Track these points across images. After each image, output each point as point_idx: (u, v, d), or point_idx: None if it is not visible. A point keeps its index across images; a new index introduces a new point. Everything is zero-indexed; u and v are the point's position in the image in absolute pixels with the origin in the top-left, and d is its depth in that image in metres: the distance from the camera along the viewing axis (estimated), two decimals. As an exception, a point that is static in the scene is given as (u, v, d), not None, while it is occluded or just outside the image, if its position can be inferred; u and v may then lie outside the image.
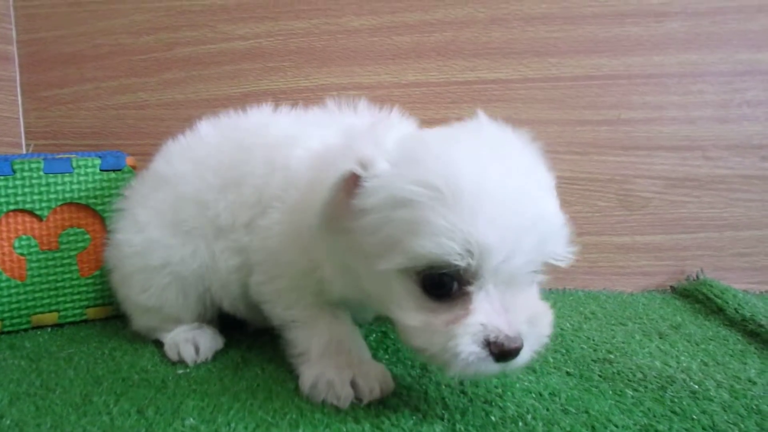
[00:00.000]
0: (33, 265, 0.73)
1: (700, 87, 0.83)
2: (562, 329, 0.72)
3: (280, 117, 0.68)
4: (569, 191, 0.87)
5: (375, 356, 0.64)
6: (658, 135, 0.85)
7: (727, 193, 0.84)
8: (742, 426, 0.49)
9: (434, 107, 0.82)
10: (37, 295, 0.73)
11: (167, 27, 0.91)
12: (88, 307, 0.76)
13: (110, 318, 0.78)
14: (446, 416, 0.52)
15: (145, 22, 0.91)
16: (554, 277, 0.87)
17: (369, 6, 0.87)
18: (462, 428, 0.50)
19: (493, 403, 0.54)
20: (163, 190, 0.68)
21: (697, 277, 0.85)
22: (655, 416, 0.51)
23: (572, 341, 0.68)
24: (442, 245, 0.44)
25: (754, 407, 0.52)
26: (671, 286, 0.86)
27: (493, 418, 0.52)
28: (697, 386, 0.56)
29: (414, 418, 0.52)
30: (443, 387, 0.58)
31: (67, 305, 0.75)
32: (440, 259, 0.44)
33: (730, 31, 0.82)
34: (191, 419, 0.51)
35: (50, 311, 0.74)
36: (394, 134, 0.51)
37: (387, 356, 0.65)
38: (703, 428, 0.49)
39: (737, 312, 0.72)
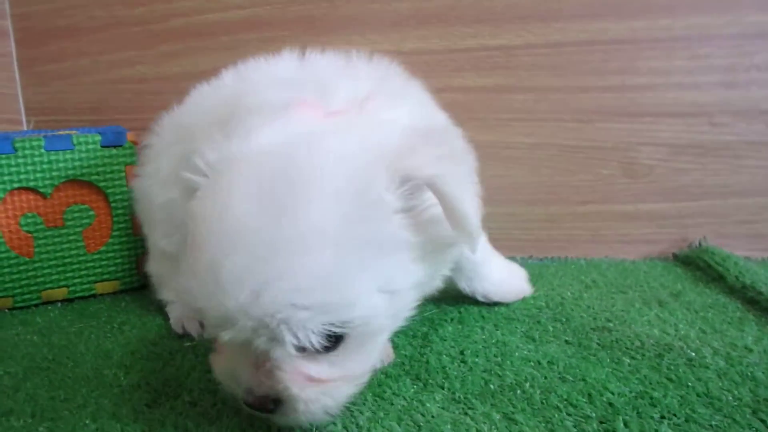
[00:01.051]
0: (40, 242, 0.75)
1: (708, 51, 0.81)
2: (562, 298, 0.73)
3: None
4: (572, 159, 0.86)
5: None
6: (663, 101, 0.83)
7: (732, 160, 0.83)
8: (735, 393, 0.50)
9: (436, 75, 0.81)
10: (45, 271, 0.75)
11: (162, -4, 0.90)
12: (96, 281, 0.78)
13: (118, 292, 0.80)
14: (446, 385, 0.54)
15: None
16: (556, 245, 0.89)
17: (368, -30, 0.85)
18: (461, 396, 0.52)
19: (492, 372, 0.56)
20: (181, 144, 0.67)
21: (700, 244, 0.84)
22: (650, 384, 0.52)
23: (572, 310, 0.69)
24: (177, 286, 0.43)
25: (749, 374, 0.53)
26: (674, 254, 0.86)
27: (491, 386, 0.53)
28: (693, 354, 0.57)
29: (415, 387, 0.54)
30: (444, 357, 0.59)
31: (76, 280, 0.77)
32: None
33: None
34: (198, 391, 0.53)
35: (59, 287, 0.76)
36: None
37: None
38: (698, 395, 0.50)
39: (738, 279, 0.72)
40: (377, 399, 0.51)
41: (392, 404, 0.50)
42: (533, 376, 0.54)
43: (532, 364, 0.57)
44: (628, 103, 0.84)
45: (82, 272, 0.77)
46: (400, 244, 0.43)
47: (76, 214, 0.76)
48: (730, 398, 0.49)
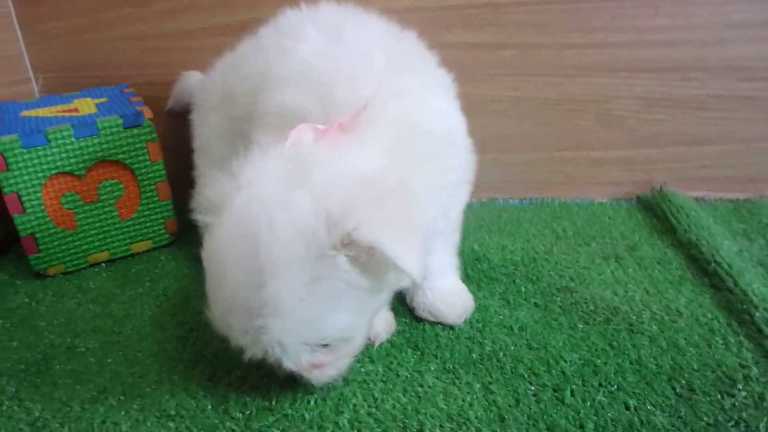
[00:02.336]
0: (80, 215, 0.85)
1: (690, 9, 0.84)
2: (536, 252, 0.86)
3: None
4: (553, 112, 0.93)
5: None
6: (641, 57, 0.88)
7: (698, 112, 0.91)
8: (659, 360, 0.64)
9: (428, 32, 0.83)
10: (88, 239, 0.86)
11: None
12: (131, 243, 0.89)
13: (151, 250, 0.92)
14: (439, 354, 0.68)
15: None
16: (534, 187, 0.99)
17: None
18: (450, 366, 0.66)
19: (475, 340, 0.70)
20: (222, 110, 0.77)
21: (661, 189, 0.95)
22: (596, 351, 0.66)
23: (542, 267, 0.82)
24: None
25: (674, 341, 0.67)
26: (637, 196, 0.98)
27: (474, 355, 0.67)
28: (634, 317, 0.71)
29: (414, 357, 0.68)
30: (436, 325, 0.73)
31: (115, 244, 0.89)
32: None
33: None
34: (245, 365, 0.65)
35: (101, 251, 0.88)
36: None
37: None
38: (630, 363, 0.64)
39: (686, 233, 0.85)
40: (387, 370, 0.65)
41: (398, 375, 0.65)
42: (506, 344, 0.68)
43: (506, 330, 0.70)
44: (609, 59, 0.89)
45: (119, 237, 0.88)
46: (354, 286, 0.53)
47: (108, 189, 0.85)
48: (654, 366, 0.63)
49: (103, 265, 0.89)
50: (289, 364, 0.55)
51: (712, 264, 0.78)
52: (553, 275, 0.80)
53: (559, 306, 0.74)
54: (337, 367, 0.60)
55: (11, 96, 0.95)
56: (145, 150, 0.85)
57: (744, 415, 0.57)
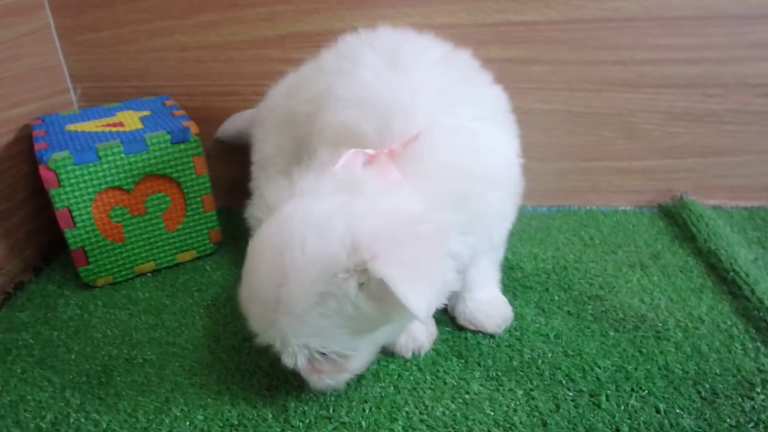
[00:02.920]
0: (128, 228, 0.88)
1: (710, 30, 0.88)
2: (566, 260, 0.91)
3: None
4: (580, 124, 0.97)
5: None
6: (665, 74, 0.92)
7: (717, 125, 0.95)
8: (685, 366, 0.70)
9: (464, 47, 0.87)
10: (136, 251, 0.90)
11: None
12: (176, 253, 0.93)
13: (195, 260, 0.96)
14: (482, 362, 0.73)
15: None
16: (561, 194, 1.04)
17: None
18: (494, 374, 0.71)
19: (514, 348, 0.75)
20: (283, 129, 0.81)
21: (681, 197, 1.00)
22: (627, 357, 0.72)
23: (573, 275, 0.87)
24: None
25: (697, 347, 0.72)
26: (658, 204, 1.03)
27: (514, 363, 0.72)
28: (660, 325, 0.76)
29: (459, 365, 0.73)
30: (477, 333, 0.77)
31: (161, 254, 0.92)
32: None
33: None
34: (296, 375, 0.70)
35: (148, 261, 0.92)
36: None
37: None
38: (659, 368, 0.70)
39: (705, 243, 0.90)
40: (434, 378, 0.70)
41: (445, 383, 0.70)
42: (544, 351, 0.73)
43: (543, 338, 0.76)
44: (634, 76, 0.93)
45: (165, 247, 0.92)
46: (360, 311, 0.56)
47: (155, 202, 0.89)
48: (680, 371, 0.69)
49: (150, 275, 0.93)
50: (288, 360, 0.60)
51: (731, 273, 0.83)
52: (584, 283, 0.85)
53: (591, 314, 0.80)
54: (335, 379, 0.64)
55: (50, 106, 0.98)
56: (191, 164, 0.88)
57: (763, 416, 0.63)
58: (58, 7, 0.95)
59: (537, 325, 0.78)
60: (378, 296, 0.56)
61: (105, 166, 0.83)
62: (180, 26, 0.96)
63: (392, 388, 0.69)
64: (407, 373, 0.71)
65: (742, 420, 0.62)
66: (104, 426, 0.65)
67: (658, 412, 0.64)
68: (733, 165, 0.98)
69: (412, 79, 0.66)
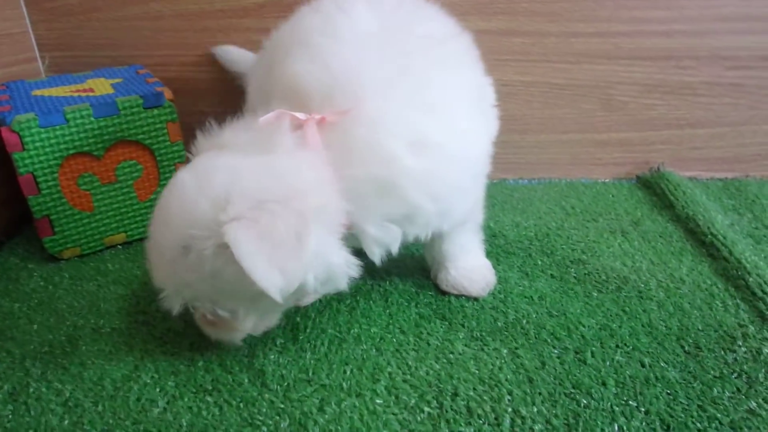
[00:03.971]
0: (98, 197, 0.85)
1: (682, 3, 0.91)
2: (548, 228, 0.91)
3: None
4: (560, 96, 0.98)
5: (403, 267, 0.82)
6: (640, 46, 0.94)
7: (691, 98, 0.97)
8: (668, 323, 0.70)
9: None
10: (105, 221, 0.87)
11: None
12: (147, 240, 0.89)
13: (171, 231, 0.92)
14: (466, 323, 0.72)
15: None
16: (543, 167, 1.04)
17: None
18: (478, 334, 0.70)
19: (498, 309, 0.74)
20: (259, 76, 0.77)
21: (658, 168, 1.02)
22: (611, 316, 0.72)
23: (555, 241, 0.87)
24: None
25: (679, 305, 0.73)
26: (636, 176, 1.04)
27: (499, 323, 0.72)
28: (643, 286, 0.77)
29: (443, 326, 0.71)
30: (461, 297, 0.76)
31: (132, 226, 0.89)
32: None
33: None
34: (281, 338, 0.69)
35: (119, 233, 0.88)
36: None
37: (417, 270, 0.82)
38: (642, 325, 0.70)
39: (683, 209, 0.91)
40: (418, 340, 0.69)
41: (429, 344, 0.68)
42: (528, 312, 0.73)
43: (527, 300, 0.75)
44: (611, 48, 0.94)
45: (137, 218, 0.89)
46: (220, 273, 0.54)
47: (126, 170, 0.86)
48: (664, 328, 0.70)
49: (120, 247, 0.90)
50: (165, 305, 0.59)
51: (709, 236, 0.84)
52: (566, 249, 0.85)
53: (574, 277, 0.79)
54: (228, 335, 0.63)
55: (16, 75, 0.94)
56: (165, 130, 0.85)
57: (745, 367, 0.63)
58: (25, -27, 0.92)
59: (521, 288, 0.77)
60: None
61: (73, 129, 0.80)
62: (155, -7, 0.94)
63: (374, 350, 0.68)
64: (390, 335, 0.70)
65: (725, 372, 0.63)
66: (67, 395, 0.62)
67: (643, 366, 0.64)
68: (707, 137, 1.00)
69: (375, 52, 0.61)
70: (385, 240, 0.64)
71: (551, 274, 0.80)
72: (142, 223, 0.89)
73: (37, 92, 0.86)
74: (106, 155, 0.83)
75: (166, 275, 0.58)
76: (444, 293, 0.77)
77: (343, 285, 0.61)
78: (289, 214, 0.52)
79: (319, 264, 0.57)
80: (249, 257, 0.49)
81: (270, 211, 0.52)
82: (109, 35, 0.96)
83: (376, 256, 0.65)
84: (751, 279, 0.75)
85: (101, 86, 0.88)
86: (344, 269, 0.60)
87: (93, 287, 0.80)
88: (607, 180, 1.05)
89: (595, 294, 0.76)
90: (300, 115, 0.59)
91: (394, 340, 0.69)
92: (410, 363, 0.66)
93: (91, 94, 0.85)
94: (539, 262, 0.83)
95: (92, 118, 0.80)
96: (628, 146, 1.02)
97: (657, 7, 0.91)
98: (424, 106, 0.61)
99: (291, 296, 0.57)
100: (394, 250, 0.66)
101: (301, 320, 0.72)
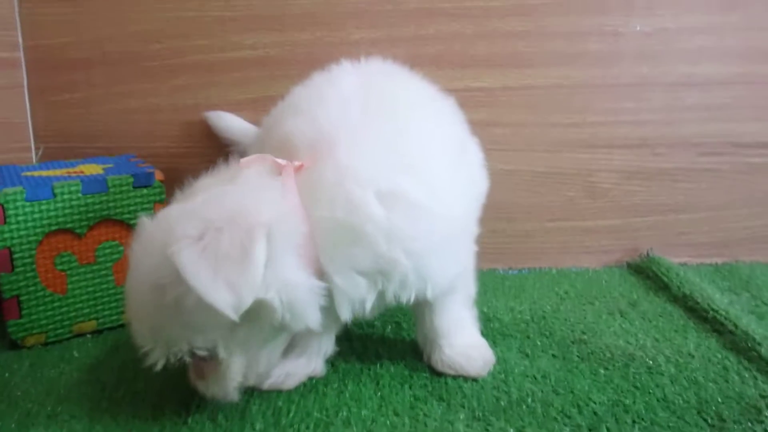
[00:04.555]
0: (73, 278, 0.80)
1: (649, 95, 0.97)
2: (544, 311, 0.87)
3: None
4: (544, 184, 1.00)
5: (395, 350, 0.77)
6: (615, 135, 0.99)
7: (670, 183, 1.01)
8: (685, 396, 0.65)
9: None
10: (77, 306, 0.81)
11: (178, 35, 0.94)
12: (123, 312, 0.84)
13: (147, 322, 0.87)
14: (466, 404, 0.65)
15: (155, 31, 0.94)
16: (531, 256, 1.03)
17: (368, 21, 0.93)
18: (481, 414, 0.63)
19: (500, 389, 0.68)
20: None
21: (648, 254, 1.02)
22: (622, 392, 0.67)
23: (553, 323, 0.83)
24: None
25: (693, 379, 0.69)
26: (627, 262, 1.04)
27: (502, 402, 0.65)
28: (651, 362, 0.72)
29: (441, 407, 0.65)
30: (458, 378, 0.71)
31: (105, 312, 0.83)
32: None
33: (672, 49, 0.96)
34: (260, 423, 0.62)
35: (90, 319, 0.82)
36: None
37: (410, 352, 0.77)
38: (657, 400, 0.65)
39: (679, 289, 0.89)
40: (414, 422, 0.62)
41: (426, 426, 0.62)
42: (533, 390, 0.67)
43: (530, 378, 0.70)
44: (588, 137, 0.99)
45: (112, 304, 0.83)
46: (185, 304, 0.53)
47: (107, 251, 0.82)
48: (681, 401, 0.65)
49: (89, 335, 0.83)
50: (150, 360, 0.57)
51: (711, 312, 0.82)
52: (565, 330, 0.81)
53: (577, 355, 0.75)
54: (220, 387, 0.60)
55: (7, 162, 0.93)
56: (152, 211, 0.83)
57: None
58: (33, 68, 0.96)
59: (522, 367, 0.72)
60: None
61: (59, 204, 0.77)
62: (155, 89, 0.97)
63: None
64: (383, 418, 0.63)
65: (756, 444, 0.57)
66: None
67: None
68: (691, 222, 1.02)
69: (357, 107, 0.63)
70: (353, 294, 0.59)
71: (552, 354, 0.75)
72: (115, 310, 0.84)
73: (28, 173, 0.85)
74: (89, 234, 0.81)
75: (141, 323, 0.56)
76: (440, 374, 0.71)
77: (313, 318, 0.57)
78: (235, 228, 0.51)
79: (278, 281, 0.54)
80: (193, 274, 0.49)
81: (215, 229, 0.51)
82: (105, 127, 0.98)
83: (344, 310, 0.60)
84: (763, 350, 0.72)
85: (92, 169, 0.87)
86: (308, 293, 0.56)
87: (54, 374, 0.73)
88: (597, 267, 1.03)
89: (602, 371, 0.71)
90: (280, 161, 0.59)
91: (388, 422, 0.62)
92: (407, 442, 0.59)
93: (81, 174, 0.84)
94: (538, 343, 0.78)
95: (80, 194, 0.78)
96: (615, 233, 1.03)
97: (627, 99, 0.97)
98: (399, 157, 0.60)
99: (269, 331, 0.58)
100: (368, 307, 0.61)
101: (283, 404, 0.65)
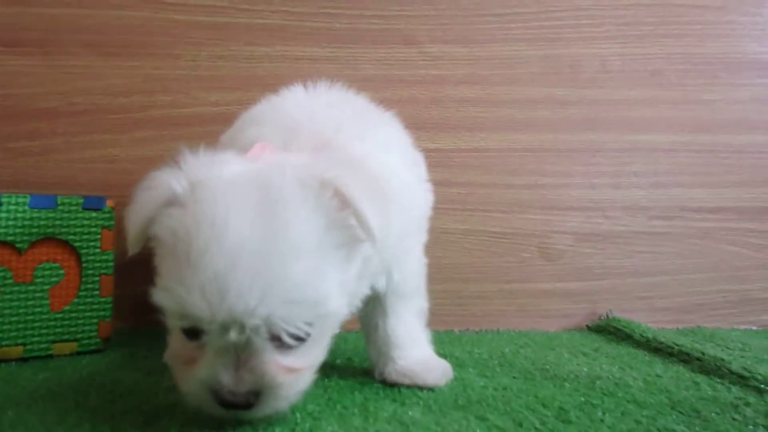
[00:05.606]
0: (5, 297, 0.74)
1: (598, 160, 1.04)
2: (503, 353, 0.82)
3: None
4: (499, 244, 1.02)
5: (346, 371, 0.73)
6: (567, 197, 1.03)
7: (624, 246, 1.03)
8: (657, 397, 0.61)
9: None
10: (4, 327, 0.74)
11: (143, 91, 1.00)
12: (54, 342, 0.77)
13: (73, 354, 0.78)
14: (421, 402, 0.59)
15: (122, 85, 0.99)
16: (489, 319, 1.00)
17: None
18: (437, 409, 0.57)
19: (459, 394, 0.62)
20: None
21: (607, 316, 1.00)
22: (589, 395, 0.62)
23: (514, 359, 0.78)
24: (164, 300, 0.48)
25: (664, 387, 0.65)
26: (587, 325, 1.01)
27: (460, 402, 0.59)
28: (618, 379, 0.68)
29: (394, 405, 0.59)
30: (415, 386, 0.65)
31: (34, 339, 0.75)
32: (168, 312, 0.49)
33: (620, 116, 1.04)
34: None
35: (16, 345, 0.74)
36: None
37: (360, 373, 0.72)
38: (627, 401, 0.60)
39: (642, 336, 0.87)
40: (364, 411, 0.56)
41: (377, 417, 0.55)
42: (493, 396, 0.61)
43: (491, 390, 0.64)
44: (540, 198, 1.03)
45: (42, 331, 0.76)
46: (341, 244, 0.52)
47: (46, 272, 0.77)
48: (652, 401, 0.60)
49: (13, 363, 0.74)
50: (268, 354, 0.48)
51: (676, 347, 0.79)
52: (527, 363, 0.76)
53: (540, 376, 0.70)
54: (301, 381, 0.52)
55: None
56: (99, 236, 0.81)
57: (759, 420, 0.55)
58: (1, 114, 0.98)
59: (481, 384, 0.66)
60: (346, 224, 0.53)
61: (3, 214, 0.74)
62: (115, 140, 0.99)
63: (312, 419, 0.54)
64: (330, 410, 0.56)
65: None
66: None
67: (639, 423, 0.53)
68: (649, 286, 1.01)
69: (322, 108, 0.67)
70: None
71: (513, 376, 0.70)
72: (46, 338, 0.76)
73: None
74: (29, 251, 0.76)
75: (244, 275, 0.46)
76: (393, 384, 0.65)
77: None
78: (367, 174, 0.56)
79: None
80: (360, 199, 0.51)
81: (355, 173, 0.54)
82: (60, 174, 0.98)
83: None
84: (734, 365, 0.70)
85: (42, 198, 0.86)
86: None
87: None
88: (558, 330, 1.00)
89: (567, 384, 0.66)
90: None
91: (336, 412, 0.56)
92: (357, 425, 0.52)
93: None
94: (498, 370, 0.73)
95: (27, 207, 0.76)
96: (573, 296, 1.01)
97: (576, 164, 1.03)
98: (374, 142, 0.64)
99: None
100: None
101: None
